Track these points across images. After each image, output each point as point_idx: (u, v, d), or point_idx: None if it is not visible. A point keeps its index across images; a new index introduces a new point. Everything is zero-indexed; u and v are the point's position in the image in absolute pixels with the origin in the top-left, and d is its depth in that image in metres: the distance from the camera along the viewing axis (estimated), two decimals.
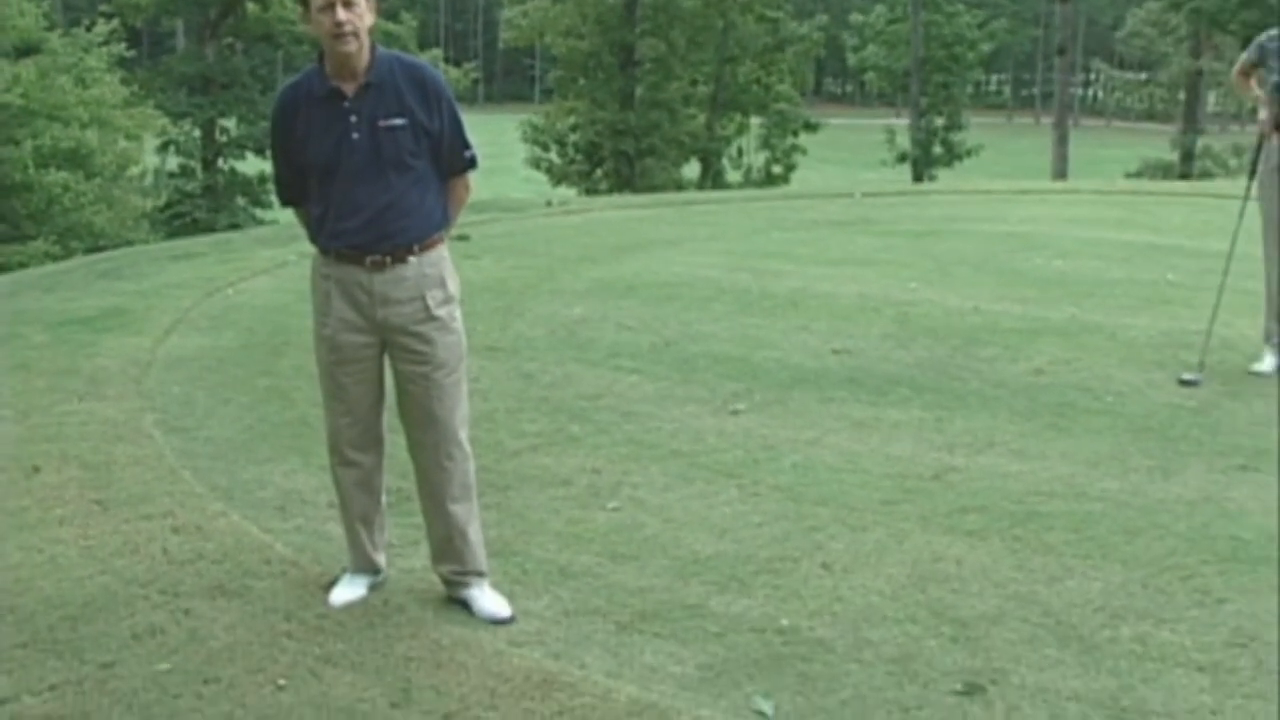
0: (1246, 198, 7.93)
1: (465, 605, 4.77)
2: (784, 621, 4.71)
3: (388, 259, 4.54)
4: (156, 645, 4.49)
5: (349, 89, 4.47)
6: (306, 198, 4.66)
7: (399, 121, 4.47)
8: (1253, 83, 7.89)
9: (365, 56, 4.45)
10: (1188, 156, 46.09)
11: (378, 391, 4.75)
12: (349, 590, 4.84)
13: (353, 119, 4.45)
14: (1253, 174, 7.87)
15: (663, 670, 4.37)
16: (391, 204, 4.51)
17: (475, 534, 4.82)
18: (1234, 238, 8.05)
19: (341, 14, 4.32)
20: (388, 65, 4.50)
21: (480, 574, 4.82)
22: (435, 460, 4.73)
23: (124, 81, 28.24)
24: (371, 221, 4.50)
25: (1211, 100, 60.62)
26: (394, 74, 4.49)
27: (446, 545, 4.80)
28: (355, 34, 4.36)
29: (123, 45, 29.16)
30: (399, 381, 4.71)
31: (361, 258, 4.53)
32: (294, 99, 4.56)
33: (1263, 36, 7.80)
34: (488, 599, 4.76)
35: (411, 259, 4.57)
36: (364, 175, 4.48)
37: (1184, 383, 7.49)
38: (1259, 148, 7.81)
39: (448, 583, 4.84)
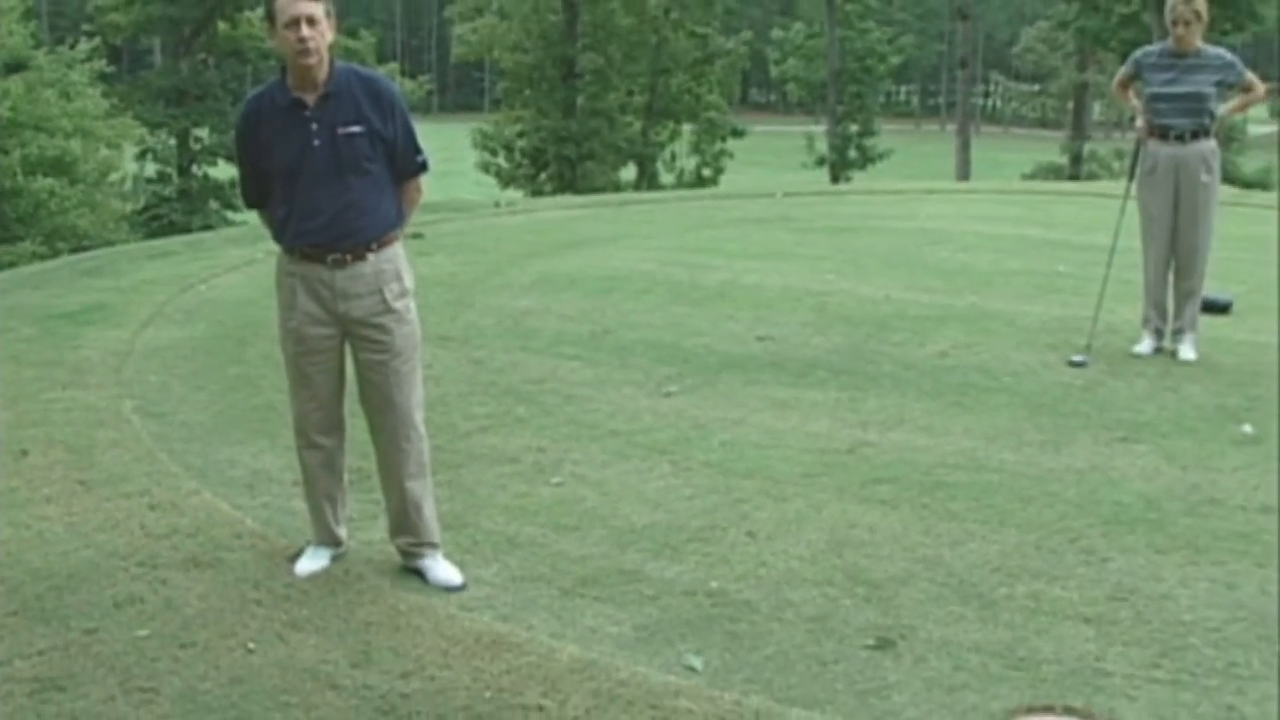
0: (1126, 197, 8.00)
1: (420, 574, 4.75)
2: (713, 585, 4.72)
3: (348, 256, 4.53)
4: (136, 613, 4.46)
5: (310, 99, 4.45)
6: (269, 200, 4.64)
7: (357, 129, 4.46)
8: (1131, 94, 7.98)
9: (325, 70, 4.44)
10: (1076, 160, 46.47)
11: (340, 379, 4.73)
12: (313, 561, 4.81)
13: (313, 127, 4.44)
14: (1132, 176, 7.94)
15: (602, 631, 4.36)
16: (351, 205, 4.49)
17: (429, 508, 4.81)
18: (1116, 233, 8.12)
19: (305, 31, 4.32)
20: (345, 77, 4.49)
21: (434, 545, 4.80)
22: (394, 442, 4.72)
23: (105, 95, 28.23)
24: (333, 222, 4.49)
25: (1096, 109, 61.07)
26: (351, 85, 4.48)
27: (403, 519, 4.78)
28: (317, 50, 4.37)
29: (104, 61, 29.18)
30: (360, 370, 4.68)
31: (323, 256, 4.51)
32: (258, 109, 4.55)
33: (1139, 53, 7.88)
34: (441, 568, 4.75)
35: (370, 256, 4.55)
36: (325, 179, 4.46)
37: (1073, 364, 7.55)
38: (1137, 152, 7.89)
39: (404, 554, 4.81)
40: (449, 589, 4.66)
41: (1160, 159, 7.68)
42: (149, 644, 4.24)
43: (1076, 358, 7.61)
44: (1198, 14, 7.46)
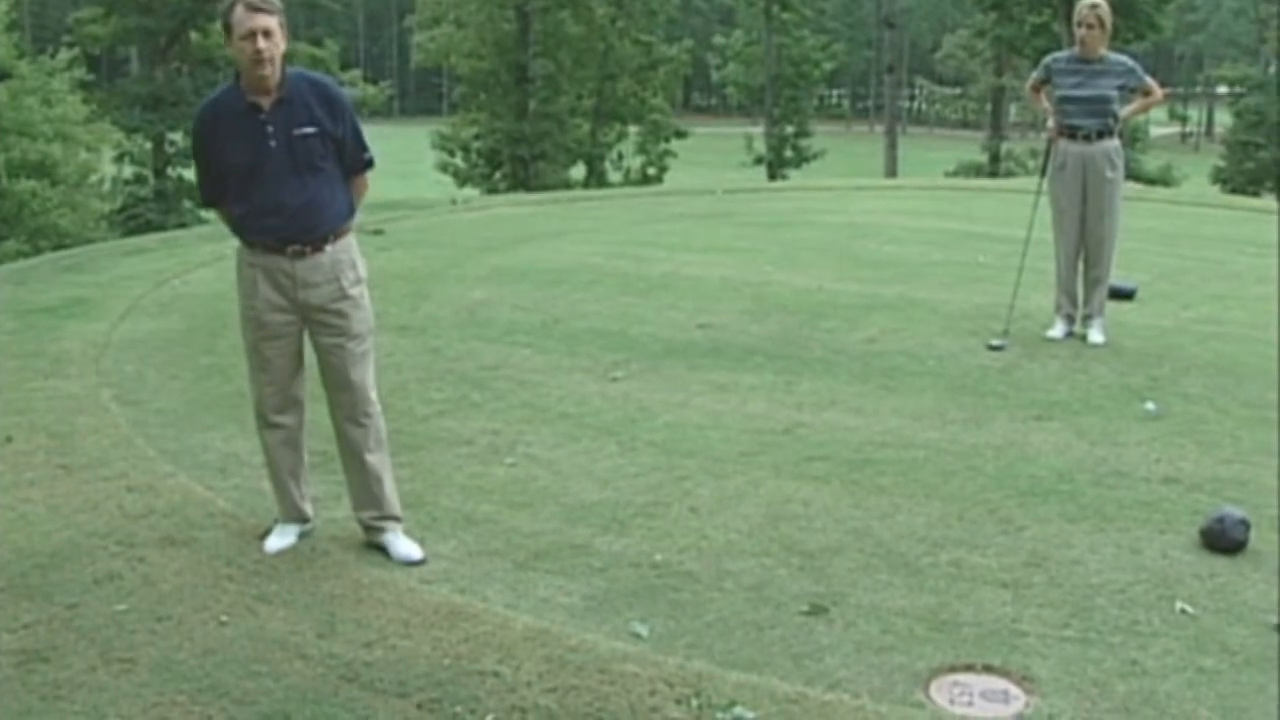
0: (1039, 193, 8.06)
1: (383, 549, 4.73)
2: (657, 557, 4.72)
3: (307, 248, 4.56)
4: (115, 589, 4.44)
5: (265, 103, 4.47)
6: (224, 199, 4.65)
7: (310, 130, 4.50)
8: (1042, 96, 8.03)
9: (278, 76, 4.47)
10: (995, 158, 46.76)
11: (298, 361, 4.73)
12: (281, 539, 4.80)
13: (269, 129, 4.47)
14: (1044, 172, 7.99)
15: (554, 601, 4.36)
16: (308, 201, 4.53)
17: (390, 482, 4.82)
18: (1030, 226, 8.18)
19: (261, 43, 4.37)
20: (297, 83, 4.53)
21: (396, 519, 4.80)
22: (353, 418, 4.74)
23: (85, 101, 28.09)
24: (293, 218, 4.52)
25: (1013, 111, 61.45)
26: (303, 90, 4.53)
27: (365, 492, 4.78)
28: (271, 59, 4.41)
29: (83, 70, 29.01)
30: (319, 353, 4.70)
31: (284, 248, 4.54)
32: (214, 113, 4.56)
33: (1049, 58, 7.95)
34: (402, 543, 4.74)
35: (327, 247, 4.59)
36: (283, 177, 4.49)
37: (992, 348, 7.60)
38: (1048, 151, 7.95)
39: (368, 528, 4.80)
40: (410, 563, 4.65)
41: (1069, 157, 7.75)
42: (127, 618, 4.22)
43: (995, 342, 7.67)
44: (1100, 20, 7.53)
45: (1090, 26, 7.53)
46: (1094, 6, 7.52)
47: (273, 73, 4.42)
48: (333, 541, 4.82)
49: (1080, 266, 7.89)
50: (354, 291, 4.65)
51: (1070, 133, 7.71)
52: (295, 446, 4.83)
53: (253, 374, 4.75)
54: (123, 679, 3.84)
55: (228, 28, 4.41)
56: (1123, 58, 7.70)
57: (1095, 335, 7.79)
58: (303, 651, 3.98)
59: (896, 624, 4.20)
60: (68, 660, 3.95)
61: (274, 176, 4.48)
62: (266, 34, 4.36)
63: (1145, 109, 8.03)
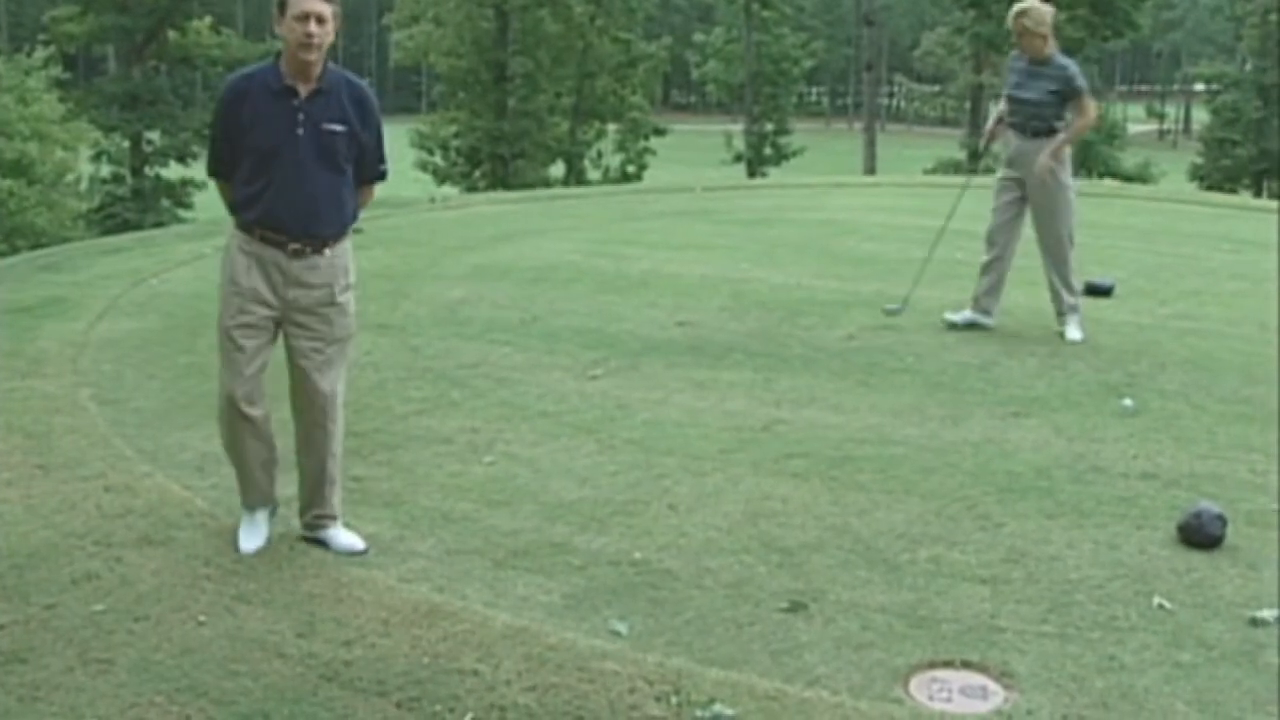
0: (965, 188, 8.23)
1: (324, 544, 4.75)
2: (636, 555, 4.73)
3: (307, 249, 4.52)
4: (92, 589, 4.42)
5: (302, 90, 4.45)
6: (233, 175, 4.56)
7: (339, 128, 4.48)
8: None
9: (319, 67, 4.45)
10: (973, 155, 46.84)
11: (268, 355, 4.67)
12: (254, 536, 4.74)
13: (300, 116, 4.44)
14: (976, 160, 8.13)
15: (533, 599, 4.36)
16: (321, 196, 4.50)
17: (339, 485, 4.84)
18: (949, 216, 8.58)
19: (314, 27, 4.35)
20: (336, 79, 4.52)
21: (335, 517, 4.81)
22: (320, 423, 4.70)
23: (61, 100, 27.88)
24: (304, 210, 4.48)
25: (992, 108, 61.69)
26: (340, 87, 4.51)
27: (316, 494, 4.77)
28: (319, 46, 4.40)
29: (59, 68, 28.71)
30: (292, 355, 4.64)
31: (285, 243, 4.49)
32: (246, 88, 4.50)
33: (1011, 55, 8.07)
34: (344, 536, 4.77)
35: (326, 250, 4.56)
36: (303, 166, 4.45)
37: (888, 312, 7.89)
38: (986, 147, 8.11)
39: (309, 526, 4.80)
40: (353, 553, 4.67)
41: (1013, 152, 7.90)
42: (105, 618, 4.20)
43: (890, 306, 7.88)
44: (1025, 28, 7.62)
45: (1019, 34, 7.68)
46: (1018, 15, 7.65)
47: (317, 60, 4.40)
48: (311, 541, 4.80)
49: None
50: (343, 298, 4.63)
51: (1013, 129, 7.90)
52: (267, 440, 4.74)
53: (225, 365, 4.63)
54: (100, 679, 3.82)
55: (282, 5, 4.38)
56: (1066, 62, 7.73)
57: (1073, 332, 7.82)
58: (281, 651, 3.97)
59: (875, 620, 4.21)
60: (45, 661, 3.93)
61: (294, 165, 4.44)
62: (320, 20, 4.34)
63: (1077, 135, 7.87)
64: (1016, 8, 7.67)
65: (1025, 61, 7.76)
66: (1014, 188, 7.87)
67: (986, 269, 8.03)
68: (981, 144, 8.15)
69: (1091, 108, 7.86)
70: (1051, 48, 7.65)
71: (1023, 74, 7.77)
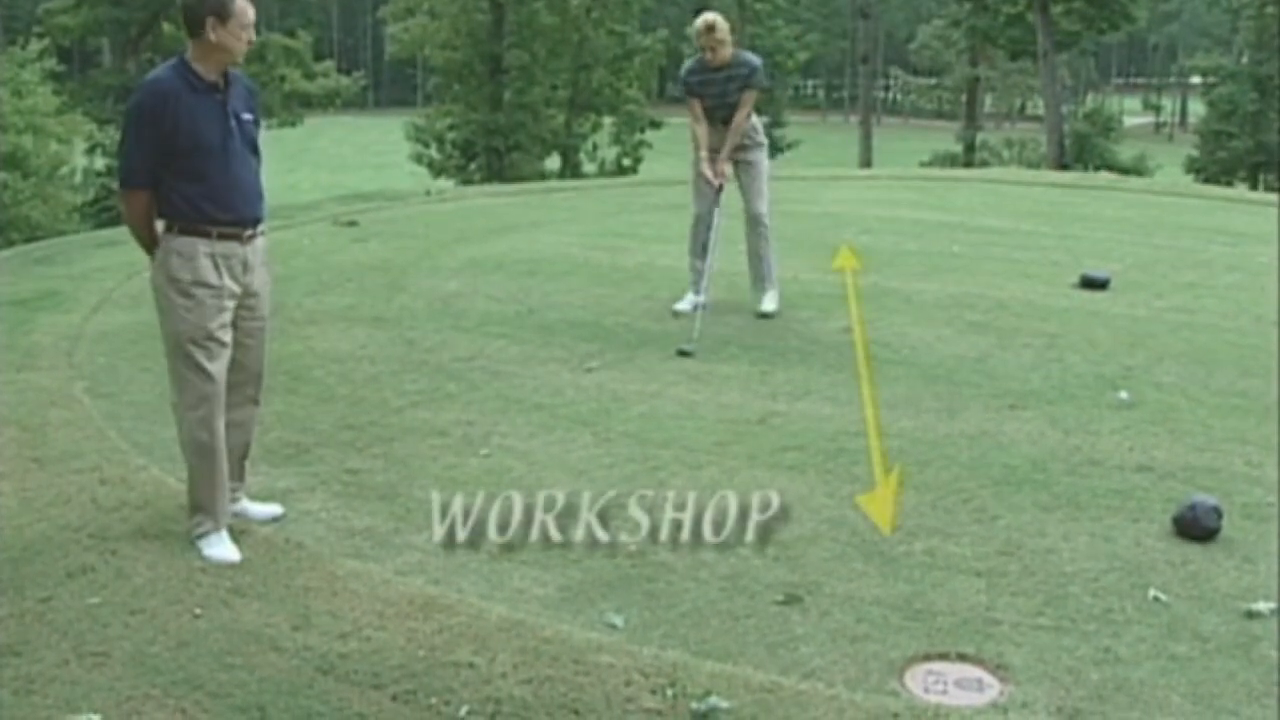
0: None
1: (241, 515, 4.85)
2: (632, 548, 4.73)
3: (258, 232, 4.70)
4: (88, 582, 4.42)
5: (220, 84, 4.57)
6: (156, 181, 4.51)
7: (249, 116, 4.67)
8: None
9: None
10: (969, 148, 46.96)
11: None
12: (226, 548, 4.62)
13: (228, 109, 4.57)
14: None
15: (529, 592, 4.37)
16: (255, 182, 4.70)
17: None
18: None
19: (251, 34, 4.55)
20: (233, 73, 4.67)
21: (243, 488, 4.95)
22: (255, 398, 4.91)
23: (55, 93, 27.78)
24: (249, 197, 4.64)
25: (988, 101, 61.76)
26: (238, 80, 4.67)
27: (238, 466, 4.88)
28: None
29: (54, 61, 28.68)
30: (240, 338, 4.74)
31: (240, 233, 4.62)
32: (172, 89, 4.47)
33: (683, 72, 8.32)
34: (259, 506, 4.94)
35: (261, 230, 4.74)
36: (241, 157, 4.61)
37: (681, 353, 7.32)
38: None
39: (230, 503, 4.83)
40: (274, 520, 4.85)
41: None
42: (100, 611, 4.20)
43: (685, 347, 7.38)
44: (720, 41, 7.96)
45: (713, 49, 7.98)
46: (705, 34, 7.97)
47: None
48: (307, 534, 4.81)
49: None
50: (269, 276, 4.86)
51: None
52: (228, 446, 4.77)
53: (199, 372, 4.55)
54: (96, 672, 3.82)
55: (225, 15, 4.44)
56: (748, 58, 8.13)
57: (766, 304, 8.23)
58: (277, 644, 3.97)
59: (871, 613, 4.22)
60: (40, 654, 3.93)
61: (236, 155, 4.58)
62: (255, 28, 4.61)
63: (736, 130, 8.20)
64: (698, 25, 8.04)
65: (704, 68, 8.08)
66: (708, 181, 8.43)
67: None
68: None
69: (748, 103, 8.14)
70: None
71: (710, 82, 8.09)
